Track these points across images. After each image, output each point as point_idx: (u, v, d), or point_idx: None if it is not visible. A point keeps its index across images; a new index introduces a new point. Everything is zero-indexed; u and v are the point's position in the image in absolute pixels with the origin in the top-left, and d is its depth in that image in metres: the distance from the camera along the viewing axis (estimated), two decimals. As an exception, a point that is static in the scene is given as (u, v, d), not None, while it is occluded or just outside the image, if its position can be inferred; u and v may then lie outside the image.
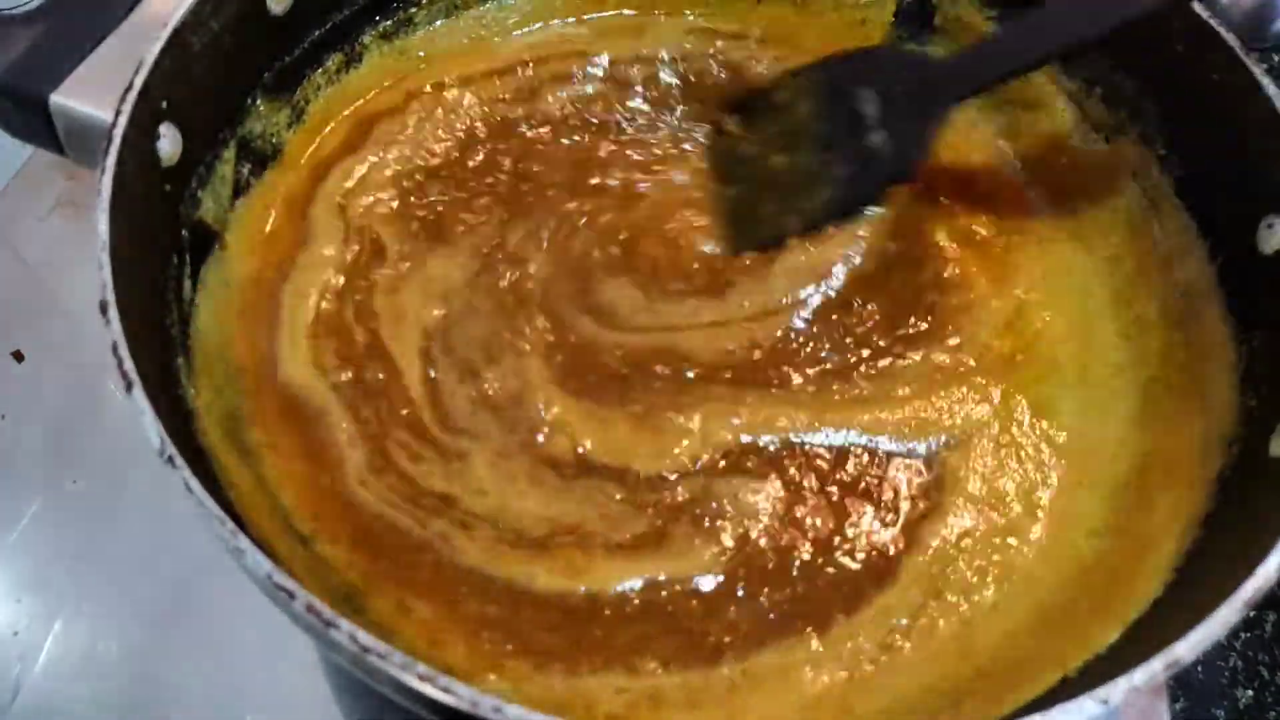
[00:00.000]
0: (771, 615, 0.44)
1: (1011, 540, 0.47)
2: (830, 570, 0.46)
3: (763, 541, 0.46)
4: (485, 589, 0.44)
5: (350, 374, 0.50)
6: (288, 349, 0.50)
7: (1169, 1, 0.50)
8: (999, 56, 0.53)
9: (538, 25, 0.63)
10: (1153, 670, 0.35)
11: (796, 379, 0.50)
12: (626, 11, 0.64)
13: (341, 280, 0.52)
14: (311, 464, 0.47)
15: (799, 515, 0.47)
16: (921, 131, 0.53)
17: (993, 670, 0.43)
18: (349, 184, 0.56)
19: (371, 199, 0.55)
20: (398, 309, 0.52)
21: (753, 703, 0.42)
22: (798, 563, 0.46)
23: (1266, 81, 0.48)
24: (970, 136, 0.60)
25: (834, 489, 0.48)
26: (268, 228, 0.54)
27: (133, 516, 0.58)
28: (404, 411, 0.49)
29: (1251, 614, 0.37)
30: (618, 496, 0.47)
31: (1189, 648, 0.36)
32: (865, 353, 0.52)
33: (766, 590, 0.45)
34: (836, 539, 0.46)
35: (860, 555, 0.46)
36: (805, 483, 0.48)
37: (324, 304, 0.52)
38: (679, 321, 0.52)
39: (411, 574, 0.45)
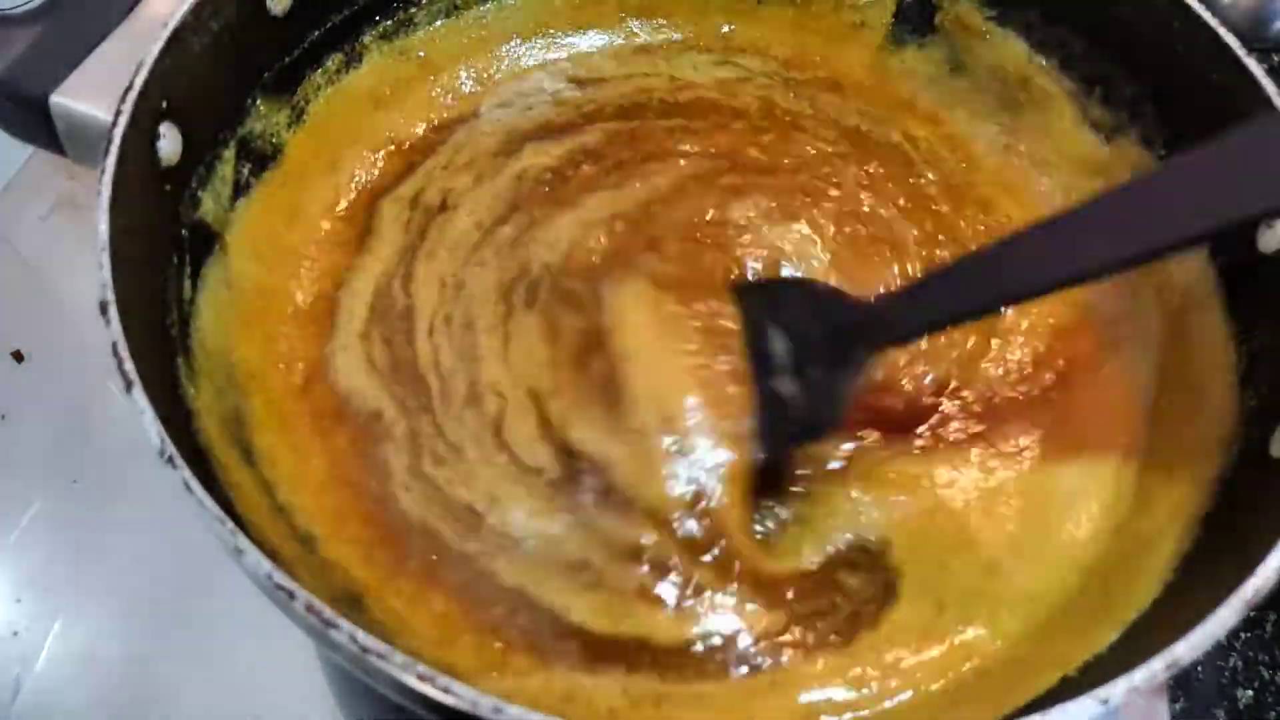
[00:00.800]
0: (804, 632, 0.44)
1: (1007, 538, 0.47)
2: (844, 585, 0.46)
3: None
4: (526, 606, 0.44)
5: (394, 367, 0.51)
6: (340, 352, 0.51)
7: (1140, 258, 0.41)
8: (933, 303, 0.45)
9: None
10: (1153, 670, 0.35)
11: None
12: (633, 23, 0.64)
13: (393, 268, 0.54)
14: (346, 467, 0.48)
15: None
16: (836, 386, 0.46)
17: (992, 670, 0.43)
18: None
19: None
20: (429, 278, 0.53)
21: (758, 701, 0.42)
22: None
23: (1266, 81, 0.48)
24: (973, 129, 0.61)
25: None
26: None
27: (133, 516, 0.58)
28: (427, 399, 0.50)
29: (1251, 614, 0.37)
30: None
31: (1189, 648, 0.36)
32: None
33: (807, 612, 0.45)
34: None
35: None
36: None
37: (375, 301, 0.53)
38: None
39: (439, 577, 0.45)
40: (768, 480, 0.47)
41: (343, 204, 0.56)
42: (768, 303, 0.49)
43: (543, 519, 0.46)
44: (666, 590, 0.44)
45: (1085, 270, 0.42)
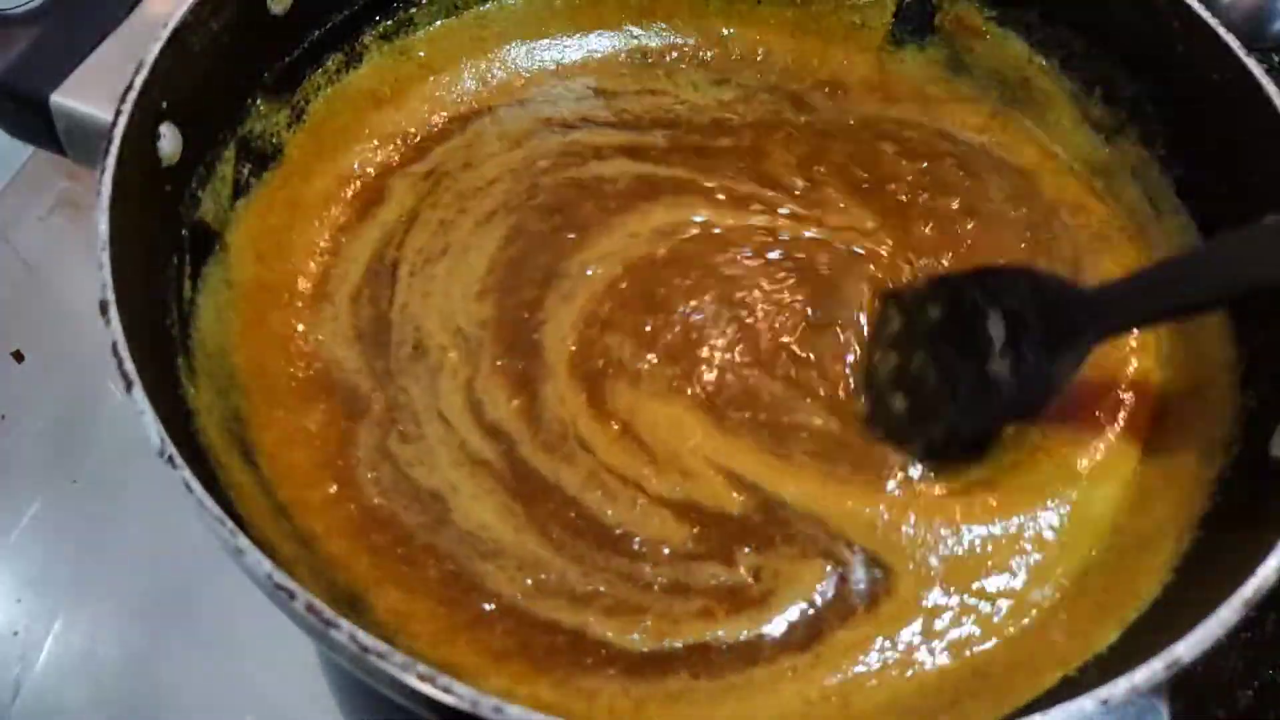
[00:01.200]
0: (801, 628, 0.44)
1: (1008, 539, 0.47)
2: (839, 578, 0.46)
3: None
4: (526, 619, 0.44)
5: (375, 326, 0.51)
6: (328, 323, 0.51)
7: None
8: (1166, 292, 0.45)
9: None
10: (1153, 670, 0.35)
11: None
12: (632, 26, 0.64)
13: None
14: (328, 453, 0.48)
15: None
16: (1050, 370, 0.46)
17: (992, 670, 0.43)
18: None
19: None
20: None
21: (757, 699, 0.42)
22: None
23: (1266, 81, 0.48)
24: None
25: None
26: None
27: (133, 516, 0.58)
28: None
29: (1251, 614, 0.37)
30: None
31: (1189, 648, 0.36)
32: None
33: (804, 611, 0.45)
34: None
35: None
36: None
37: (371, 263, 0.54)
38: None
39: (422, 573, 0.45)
40: (961, 451, 0.48)
41: (348, 191, 0.56)
42: (994, 286, 0.49)
43: (514, 532, 0.46)
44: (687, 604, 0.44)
45: None
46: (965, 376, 0.48)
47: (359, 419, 0.48)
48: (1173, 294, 0.45)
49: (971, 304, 0.49)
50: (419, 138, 0.59)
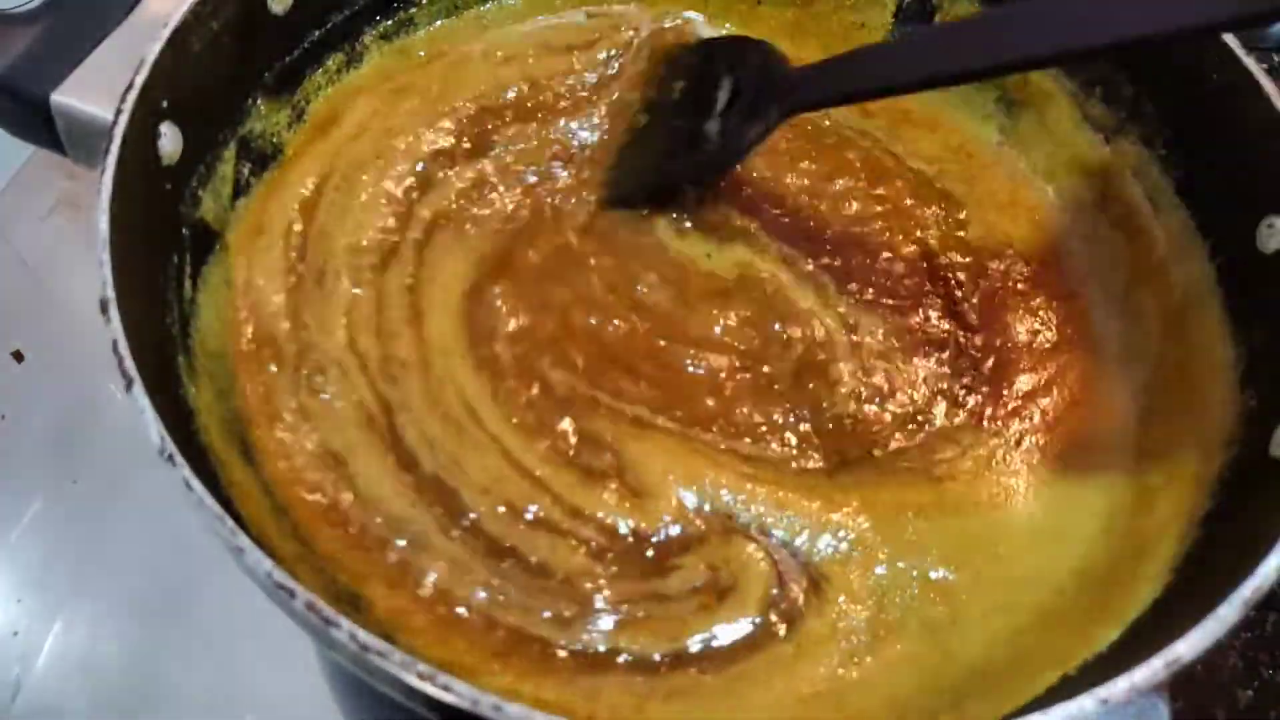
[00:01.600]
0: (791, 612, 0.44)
1: (1011, 534, 0.47)
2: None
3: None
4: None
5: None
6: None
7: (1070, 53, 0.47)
8: (858, 74, 0.50)
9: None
10: (1153, 670, 0.35)
11: None
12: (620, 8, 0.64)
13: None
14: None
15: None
16: (746, 130, 0.51)
17: (992, 670, 0.43)
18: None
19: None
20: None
21: (754, 697, 0.42)
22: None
23: (1266, 81, 0.48)
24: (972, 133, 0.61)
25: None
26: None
27: (133, 516, 0.58)
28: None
29: (1251, 614, 0.37)
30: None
31: (1189, 647, 0.36)
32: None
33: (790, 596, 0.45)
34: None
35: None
36: None
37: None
38: None
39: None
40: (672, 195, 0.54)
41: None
42: (731, 56, 0.55)
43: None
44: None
45: (982, 67, 0.47)
46: (683, 134, 0.54)
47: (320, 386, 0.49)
48: (853, 80, 0.50)
49: (708, 71, 0.54)
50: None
